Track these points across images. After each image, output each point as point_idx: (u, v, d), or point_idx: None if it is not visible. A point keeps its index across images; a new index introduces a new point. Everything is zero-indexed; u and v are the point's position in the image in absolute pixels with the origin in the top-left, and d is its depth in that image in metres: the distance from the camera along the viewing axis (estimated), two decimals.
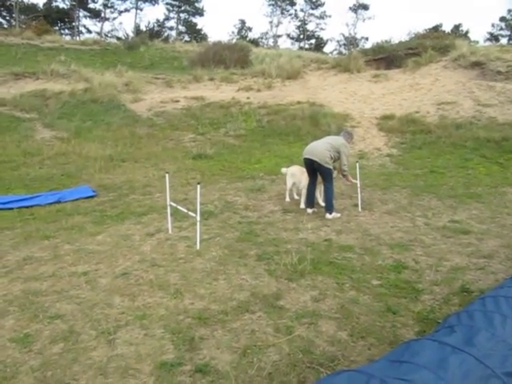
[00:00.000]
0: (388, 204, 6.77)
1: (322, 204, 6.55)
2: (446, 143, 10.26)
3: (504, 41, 35.24)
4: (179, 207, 5.34)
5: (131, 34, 38.30)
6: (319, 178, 6.37)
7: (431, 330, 3.12)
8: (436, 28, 33.24)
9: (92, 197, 7.21)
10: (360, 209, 6.46)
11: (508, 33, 35.74)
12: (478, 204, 6.70)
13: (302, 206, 6.64)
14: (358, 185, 6.50)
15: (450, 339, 2.41)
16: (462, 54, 15.71)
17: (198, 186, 4.82)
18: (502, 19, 36.87)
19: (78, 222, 5.95)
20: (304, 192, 6.66)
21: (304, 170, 6.65)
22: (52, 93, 14.54)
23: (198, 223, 4.92)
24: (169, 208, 5.48)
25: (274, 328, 3.36)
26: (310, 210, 6.42)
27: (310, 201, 6.48)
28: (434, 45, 17.30)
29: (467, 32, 37.22)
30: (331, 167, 6.20)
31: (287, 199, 7.01)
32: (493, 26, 40.79)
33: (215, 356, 3.01)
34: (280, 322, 3.45)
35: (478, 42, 30.19)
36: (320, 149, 6.15)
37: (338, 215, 6.21)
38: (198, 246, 4.93)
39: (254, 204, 6.77)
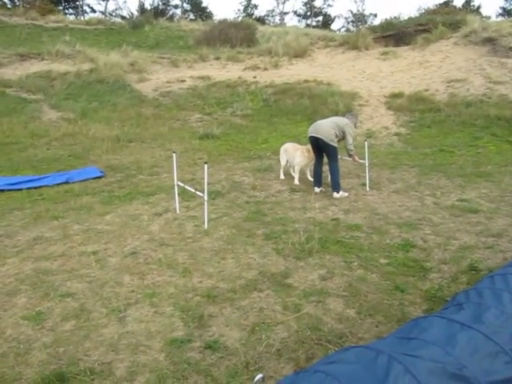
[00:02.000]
0: (396, 183, 6.73)
1: (310, 179, 6.74)
2: (455, 122, 10.11)
3: None
4: (187, 187, 5.34)
5: (136, 13, 37.75)
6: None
7: (439, 308, 3.12)
8: (447, 3, 32.41)
9: (100, 177, 7.24)
10: (368, 188, 6.43)
11: None
12: (487, 183, 6.63)
13: (296, 182, 6.77)
14: (367, 164, 6.45)
15: (458, 316, 2.42)
16: (474, 30, 15.32)
17: (206, 165, 4.81)
18: None
19: (87, 203, 5.99)
20: (297, 168, 6.76)
21: (298, 146, 6.82)
22: (57, 73, 14.48)
23: (206, 203, 4.93)
24: (176, 188, 5.49)
25: (283, 306, 3.39)
26: (317, 189, 6.41)
27: (318, 180, 6.46)
28: (445, 21, 16.88)
29: (479, 7, 36.35)
30: (336, 145, 6.18)
31: (282, 176, 7.04)
32: (506, 0, 39.70)
33: (224, 333, 3.05)
34: (288, 299, 3.48)
35: (489, 18, 29.46)
36: (325, 127, 6.13)
37: (346, 194, 6.19)
38: (205, 226, 4.95)
39: (261, 184, 6.76)
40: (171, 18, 36.52)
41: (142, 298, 3.52)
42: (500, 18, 31.03)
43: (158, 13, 37.20)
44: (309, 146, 6.56)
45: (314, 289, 3.65)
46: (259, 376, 1.80)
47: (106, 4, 46.74)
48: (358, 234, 4.83)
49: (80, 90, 13.47)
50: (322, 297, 3.52)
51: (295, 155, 6.73)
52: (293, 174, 7.00)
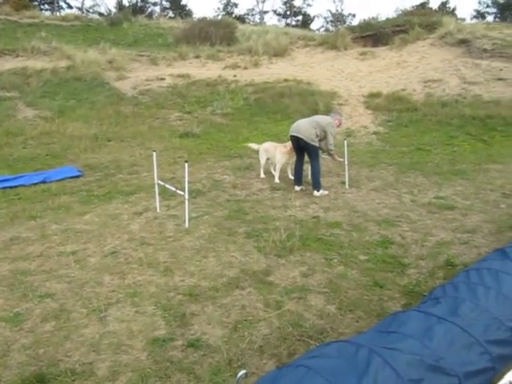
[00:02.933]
0: (375, 181, 6.84)
1: (291, 177, 6.84)
2: (431, 121, 10.32)
3: (490, 18, 35.18)
4: (167, 186, 5.32)
5: (114, 10, 37.24)
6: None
7: (417, 303, 3.20)
8: (423, 5, 32.99)
9: (78, 177, 7.13)
10: (347, 186, 6.51)
11: (494, 10, 35.66)
12: (462, 180, 6.80)
13: (277, 180, 6.82)
14: (346, 162, 6.53)
15: (435, 310, 2.49)
16: (449, 32, 15.64)
17: (186, 164, 4.80)
18: None
19: (65, 202, 5.90)
20: (278, 167, 6.79)
21: (277, 145, 6.87)
22: (33, 70, 14.14)
23: (187, 201, 4.92)
24: (157, 187, 5.45)
25: (264, 303, 3.42)
26: (297, 188, 6.46)
27: (298, 178, 6.52)
28: (421, 22, 17.19)
29: (454, 9, 36.98)
30: (317, 145, 6.22)
31: (262, 175, 7.07)
32: (479, 3, 40.65)
33: (206, 331, 3.06)
34: (270, 297, 3.51)
35: (464, 20, 30.12)
36: (306, 126, 6.15)
37: (326, 193, 6.25)
38: (186, 225, 4.94)
39: (242, 182, 6.77)
40: (150, 15, 36.16)
41: (122, 297, 3.50)
42: (474, 21, 31.75)
43: (137, 10, 36.79)
44: (288, 144, 6.61)
45: (295, 286, 3.69)
46: (242, 372, 1.82)
47: (83, 0, 45.88)
48: (337, 231, 4.89)
49: (57, 88, 13.21)
50: (303, 293, 3.56)
51: (275, 153, 6.77)
52: (273, 172, 7.04)
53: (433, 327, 2.28)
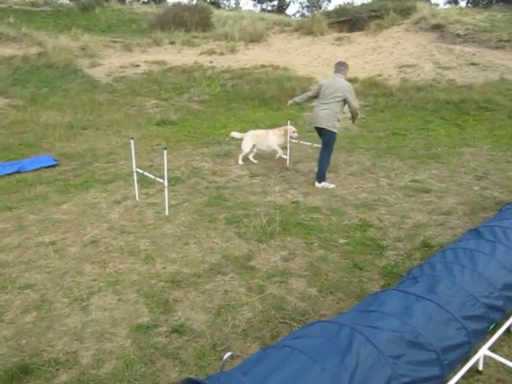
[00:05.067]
0: (353, 166, 6.92)
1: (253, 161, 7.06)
2: (407, 106, 10.46)
3: (463, 4, 35.55)
4: (146, 173, 5.27)
5: None
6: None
7: (395, 283, 3.29)
8: None
9: (53, 166, 6.98)
10: None
11: None
12: (437, 164, 6.94)
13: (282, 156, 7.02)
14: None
15: (414, 289, 2.57)
16: (423, 17, 15.81)
17: (165, 151, 4.76)
18: None
19: (42, 192, 5.78)
20: (276, 147, 6.94)
21: (267, 130, 7.08)
22: (2, 58, 13.70)
23: (166, 189, 4.89)
24: (135, 175, 5.39)
25: (247, 288, 3.45)
26: (318, 185, 6.03)
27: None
28: (396, 7, 17.29)
29: None
30: (336, 131, 5.96)
31: (241, 162, 7.02)
32: None
33: (190, 317, 3.08)
34: (252, 281, 3.55)
35: (438, 5, 30.39)
36: (325, 115, 5.83)
37: (331, 186, 5.94)
38: (166, 212, 4.92)
39: (221, 169, 6.76)
40: (123, 0, 35.22)
41: (104, 286, 3.48)
42: (448, 6, 32.05)
43: None
44: (283, 128, 6.89)
45: (277, 270, 3.74)
46: (228, 354, 1.85)
47: None
48: (317, 215, 4.95)
49: (28, 76, 12.84)
50: (285, 277, 3.61)
51: (268, 136, 6.88)
52: (253, 160, 7.10)
53: (412, 305, 2.36)
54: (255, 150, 7.10)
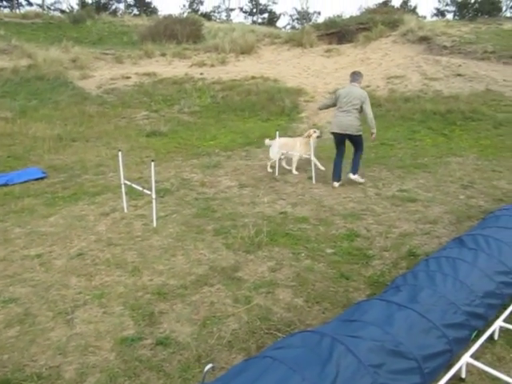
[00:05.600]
0: (341, 176, 6.96)
1: (294, 172, 7.18)
2: (395, 116, 10.58)
3: (450, 16, 36.21)
4: (134, 185, 5.27)
5: (76, 7, 36.27)
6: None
7: (381, 293, 3.31)
8: (386, 3, 33.66)
9: (42, 178, 6.95)
10: (314, 181, 6.62)
11: (453, 8, 36.75)
12: (424, 173, 7.02)
13: (295, 172, 7.18)
14: (312, 158, 6.63)
15: (396, 298, 2.59)
16: (410, 29, 16.09)
17: (152, 163, 4.77)
18: None
19: (29, 205, 5.75)
20: (296, 159, 7.15)
21: (295, 139, 7.35)
22: None
23: (154, 201, 4.89)
24: (123, 186, 5.39)
25: (233, 299, 3.46)
26: (336, 184, 6.45)
27: (338, 174, 6.51)
28: (384, 20, 17.60)
29: (415, 7, 37.95)
30: (361, 133, 6.42)
31: (270, 170, 7.22)
32: (439, 1, 41.76)
33: (175, 329, 3.08)
34: (238, 292, 3.55)
35: (425, 17, 30.96)
36: (349, 121, 6.26)
37: (362, 180, 6.54)
38: (154, 224, 4.92)
39: (211, 180, 6.78)
40: (114, 12, 35.43)
41: (90, 299, 3.47)
42: (434, 18, 32.66)
43: (100, 7, 35.93)
44: (306, 135, 7.15)
45: (264, 280, 3.74)
46: (209, 366, 1.85)
47: None
48: (305, 225, 4.98)
49: (18, 88, 12.82)
50: (272, 288, 3.62)
51: (295, 146, 7.08)
52: (287, 166, 7.31)
53: (393, 314, 2.38)
54: (282, 157, 7.25)
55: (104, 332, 3.04)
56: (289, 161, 7.32)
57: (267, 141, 7.38)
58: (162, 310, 3.29)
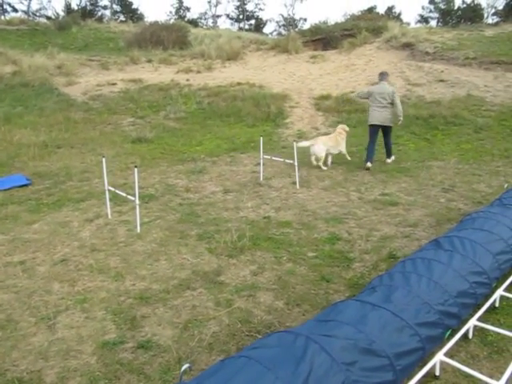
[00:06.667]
0: (325, 181, 7.07)
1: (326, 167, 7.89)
2: None
3: (433, 23, 36.85)
4: (117, 191, 5.29)
5: (62, 13, 36.16)
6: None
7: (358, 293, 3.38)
8: (370, 10, 34.16)
9: (26, 185, 6.93)
10: (298, 186, 6.71)
11: (437, 15, 37.41)
12: (406, 177, 7.16)
13: (325, 167, 7.86)
14: (296, 163, 6.72)
15: (371, 298, 2.66)
16: (394, 36, 16.38)
17: (136, 169, 4.81)
18: (431, 2, 38.45)
19: (12, 212, 5.74)
20: (344, 150, 8.11)
21: (330, 136, 8.07)
22: None
23: (137, 206, 4.92)
24: (107, 193, 5.42)
25: (215, 302, 3.50)
26: (370, 164, 7.66)
27: (372, 156, 7.73)
28: (368, 26, 17.89)
29: (400, 14, 38.50)
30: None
31: (325, 167, 7.79)
32: (423, 8, 42.58)
33: (157, 332, 3.11)
34: (220, 296, 3.60)
35: (409, 24, 31.45)
36: (384, 115, 7.67)
37: (394, 157, 8.08)
38: (138, 229, 4.94)
39: (195, 186, 6.82)
40: (100, 19, 35.33)
41: (72, 304, 3.49)
42: (418, 25, 33.18)
43: (86, 13, 35.84)
44: (338, 131, 8.08)
45: (246, 284, 3.80)
46: (185, 366, 1.90)
47: (29, 3, 44.22)
48: (288, 230, 5.05)
49: (2, 94, 12.74)
50: (253, 291, 3.67)
51: (339, 142, 7.94)
52: (315, 162, 7.82)
53: (367, 314, 2.45)
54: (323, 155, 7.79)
55: (86, 336, 3.07)
56: (317, 157, 7.85)
57: (302, 143, 7.87)
58: (144, 314, 3.32)
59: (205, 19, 48.81)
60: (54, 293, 3.68)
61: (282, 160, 7.15)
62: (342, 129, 8.12)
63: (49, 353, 2.90)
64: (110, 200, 5.54)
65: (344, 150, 8.09)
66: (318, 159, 7.77)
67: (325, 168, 7.75)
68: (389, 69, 13.83)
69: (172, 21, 32.06)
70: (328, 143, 7.79)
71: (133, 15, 41.70)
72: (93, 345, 2.97)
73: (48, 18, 35.90)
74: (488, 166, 7.70)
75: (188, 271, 4.01)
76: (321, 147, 7.69)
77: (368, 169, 7.58)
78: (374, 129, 7.85)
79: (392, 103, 7.67)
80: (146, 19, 37.60)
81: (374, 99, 7.75)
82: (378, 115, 7.71)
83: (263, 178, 7.12)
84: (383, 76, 8.00)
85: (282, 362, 1.99)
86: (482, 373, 2.64)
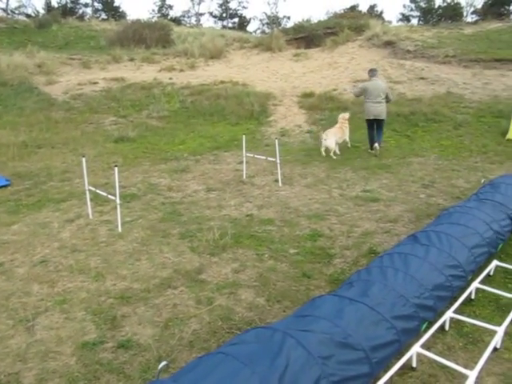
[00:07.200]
0: (307, 178, 7.11)
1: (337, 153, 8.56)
2: (361, 118, 10.66)
3: (415, 21, 37.24)
4: (98, 191, 5.26)
5: (42, 11, 35.57)
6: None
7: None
8: (353, 8, 34.37)
9: (5, 186, 6.83)
10: (280, 184, 6.73)
11: (418, 14, 37.80)
12: (387, 174, 7.24)
13: (335, 156, 8.44)
14: (278, 161, 6.74)
15: (348, 293, 2.70)
16: (376, 34, 16.51)
17: (116, 168, 4.78)
18: (412, 0, 38.83)
19: None
20: (348, 138, 8.88)
21: (337, 127, 8.66)
22: None
23: (118, 206, 4.90)
24: (87, 193, 5.37)
25: (196, 300, 3.51)
26: (376, 145, 8.34)
27: (373, 141, 8.45)
28: (350, 24, 18.01)
29: (381, 12, 38.80)
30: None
31: (335, 157, 8.35)
32: (404, 6, 43.09)
33: (137, 331, 3.11)
34: (201, 294, 3.61)
35: (391, 22, 31.69)
36: (382, 109, 8.32)
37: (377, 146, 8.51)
38: (119, 229, 4.92)
39: (178, 185, 6.80)
40: (81, 17, 34.88)
41: (51, 305, 3.46)
42: (400, 23, 33.51)
43: (67, 11, 35.33)
44: (340, 121, 8.74)
45: (227, 282, 3.81)
46: (163, 363, 1.91)
47: (8, 1, 43.35)
48: (270, 227, 5.07)
49: None
50: (234, 288, 3.69)
51: (346, 131, 8.70)
52: (330, 154, 8.37)
53: (344, 308, 2.48)
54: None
55: (65, 337, 3.05)
56: (328, 149, 8.43)
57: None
58: (125, 314, 3.31)
59: (188, 17, 48.53)
60: (33, 294, 3.64)
61: (264, 158, 7.16)
62: (343, 118, 8.75)
63: (27, 355, 2.88)
64: (92, 200, 5.50)
65: (347, 138, 8.87)
66: (328, 151, 8.40)
67: (335, 157, 8.33)
68: (371, 66, 13.97)
69: (155, 19, 31.75)
70: (337, 135, 8.48)
71: (115, 13, 41.25)
72: (72, 346, 2.96)
73: (28, 15, 35.25)
74: (466, 161, 7.83)
75: (169, 270, 4.01)
76: (332, 140, 8.34)
77: (375, 149, 8.32)
78: (370, 122, 8.49)
79: (386, 98, 8.33)
80: (128, 17, 37.29)
81: (369, 95, 8.29)
82: (374, 110, 8.30)
83: (246, 176, 7.13)
84: (374, 72, 8.55)
85: (258, 358, 2.01)
86: (457, 363, 2.71)
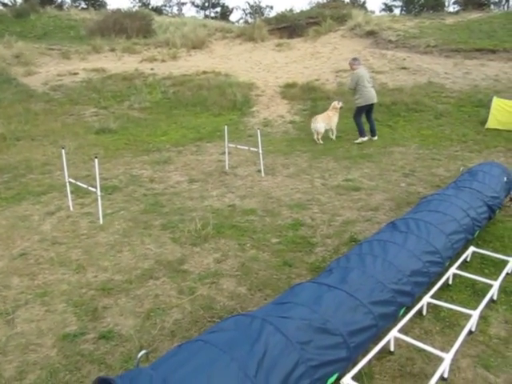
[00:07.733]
0: (290, 168, 7.14)
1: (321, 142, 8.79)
2: (343, 109, 10.84)
3: (397, 11, 37.36)
4: (79, 183, 5.20)
5: (19, 0, 34.73)
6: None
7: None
8: None
9: None
10: (263, 174, 6.75)
11: (400, 4, 37.93)
12: (369, 163, 7.31)
13: (321, 142, 8.83)
14: (260, 151, 6.75)
15: (327, 280, 2.74)
16: (358, 24, 16.55)
17: (96, 160, 4.74)
18: None
19: None
20: (334, 126, 9.02)
21: (328, 113, 8.94)
22: None
23: (99, 198, 4.86)
24: (68, 185, 5.32)
25: (178, 290, 3.52)
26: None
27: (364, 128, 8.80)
28: (333, 14, 18.00)
29: (364, 2, 38.77)
30: None
31: (322, 142, 8.76)
32: None
33: (119, 322, 3.11)
34: (183, 284, 3.62)
35: (374, 12, 31.77)
36: (375, 93, 8.74)
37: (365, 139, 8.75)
38: (101, 221, 4.89)
39: (160, 176, 6.77)
40: (60, 6, 34.07)
41: (32, 298, 3.44)
42: (383, 13, 33.58)
43: (45, 0, 34.54)
44: (332, 108, 9.01)
45: (209, 272, 3.83)
46: (142, 352, 1.92)
47: None
48: (252, 217, 5.09)
49: None
50: (216, 278, 3.71)
51: (332, 117, 8.84)
52: (319, 137, 8.80)
53: (322, 295, 2.52)
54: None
55: (46, 329, 3.04)
56: (318, 132, 8.79)
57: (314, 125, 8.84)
58: (106, 305, 3.31)
59: (169, 7, 47.83)
60: (13, 287, 3.61)
61: (247, 148, 7.16)
62: (334, 106, 9.02)
63: (7, 347, 2.86)
64: (72, 192, 5.45)
65: (333, 127, 8.97)
66: (318, 134, 8.76)
67: (321, 142, 8.70)
68: (353, 56, 14.03)
69: (135, 8, 31.31)
70: (325, 120, 8.80)
71: (94, 2, 40.37)
72: (53, 337, 2.95)
73: (4, 4, 34.31)
74: (447, 150, 7.94)
75: (151, 261, 4.01)
76: (321, 124, 8.70)
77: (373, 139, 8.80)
78: (368, 107, 8.72)
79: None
80: (108, 6, 36.57)
81: (366, 82, 8.60)
82: (372, 95, 8.66)
83: (229, 167, 7.13)
84: (359, 61, 9.00)
85: (237, 344, 2.03)
86: (434, 347, 2.77)
